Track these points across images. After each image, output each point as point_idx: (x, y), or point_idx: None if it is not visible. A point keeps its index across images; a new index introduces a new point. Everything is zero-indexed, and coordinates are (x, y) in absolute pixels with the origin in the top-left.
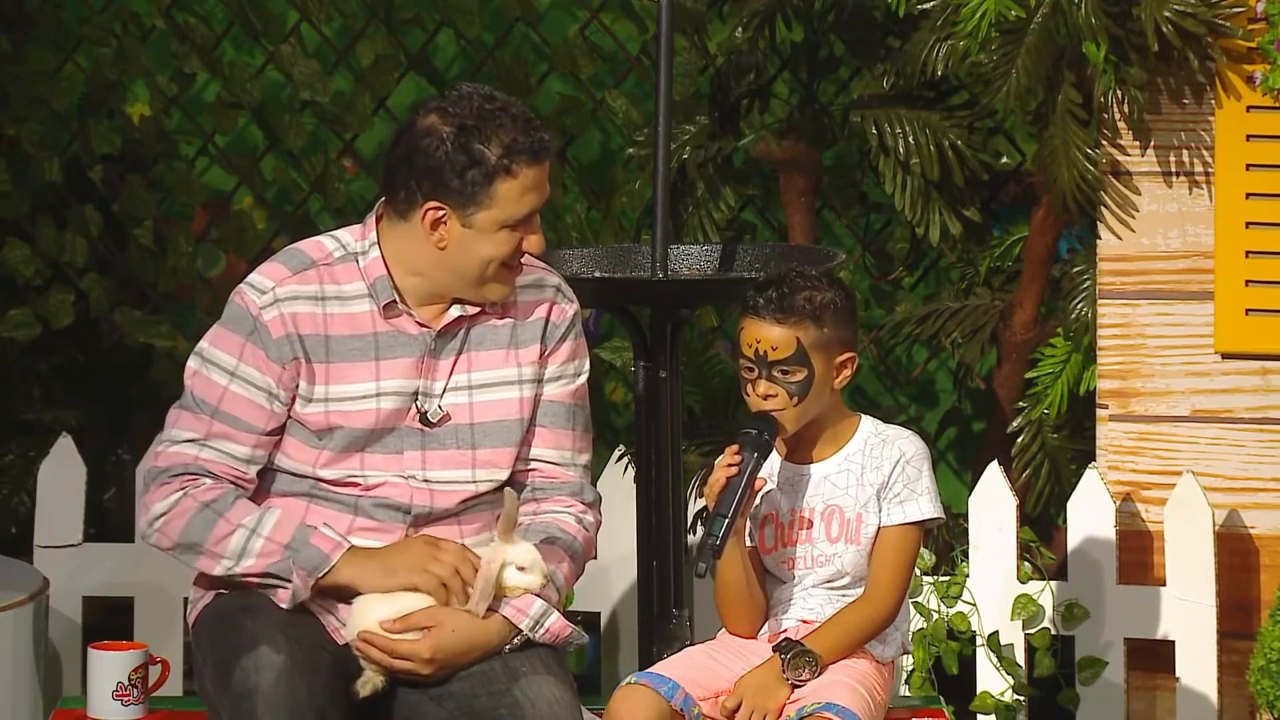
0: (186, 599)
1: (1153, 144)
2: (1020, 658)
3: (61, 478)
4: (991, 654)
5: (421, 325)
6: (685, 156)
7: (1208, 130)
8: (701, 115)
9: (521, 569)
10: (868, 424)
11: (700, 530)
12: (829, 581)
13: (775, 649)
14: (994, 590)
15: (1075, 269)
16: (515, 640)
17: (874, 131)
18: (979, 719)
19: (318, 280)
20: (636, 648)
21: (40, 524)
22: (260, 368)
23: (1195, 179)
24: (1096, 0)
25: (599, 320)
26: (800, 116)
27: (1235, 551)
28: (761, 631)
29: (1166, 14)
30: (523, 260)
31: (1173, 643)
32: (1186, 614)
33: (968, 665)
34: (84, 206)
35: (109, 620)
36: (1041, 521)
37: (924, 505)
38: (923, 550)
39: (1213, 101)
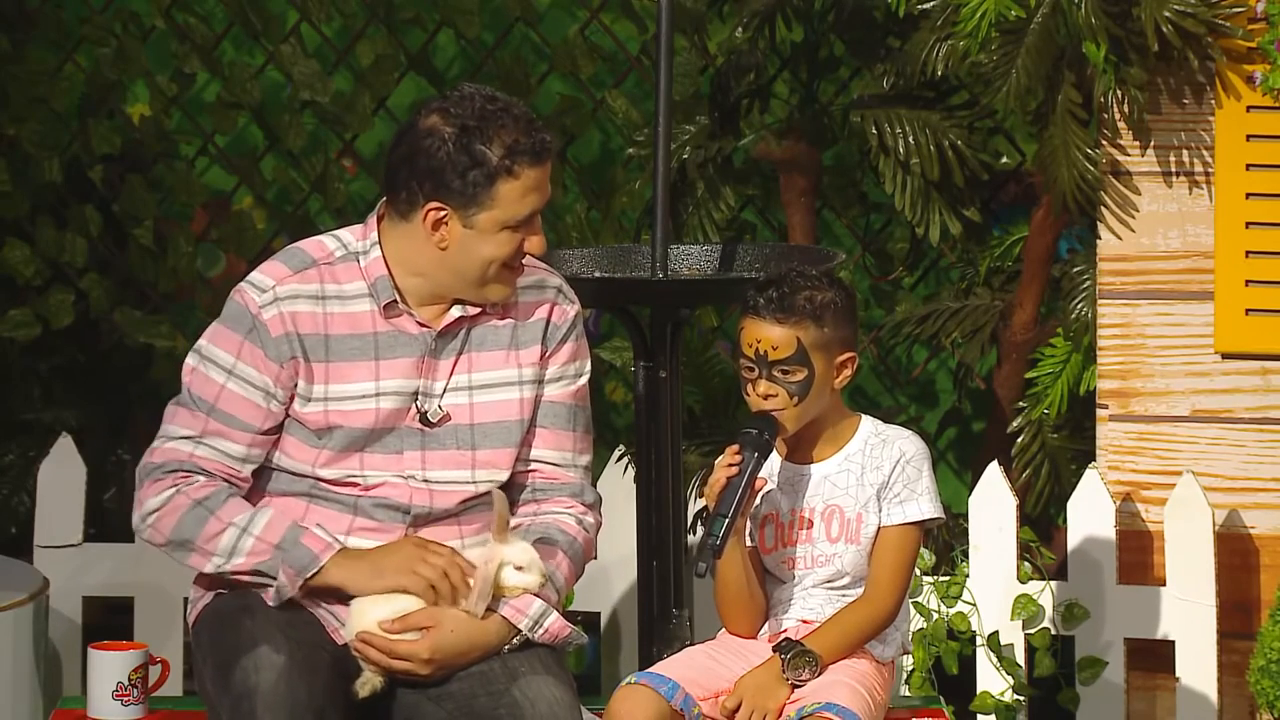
0: (186, 599)
1: (1153, 144)
2: (1020, 658)
3: (61, 478)
4: (991, 654)
5: (422, 325)
6: (685, 156)
7: (1208, 130)
8: (701, 115)
9: (519, 568)
10: (868, 424)
11: (700, 530)
12: (829, 581)
13: (775, 649)
14: (994, 590)
15: (1075, 269)
16: (514, 640)
17: (874, 131)
18: (979, 719)
19: (318, 279)
20: (636, 648)
21: (40, 524)
22: (258, 366)
23: (1195, 179)
24: (1096, 0)
25: (599, 320)
26: (800, 116)
27: (1235, 551)
28: (761, 631)
29: (1166, 14)
30: (524, 261)
31: (1173, 643)
32: (1186, 614)
33: (968, 665)
34: (84, 206)
35: (109, 620)
36: (1041, 521)
37: (924, 505)
38: (923, 550)
39: (1213, 101)
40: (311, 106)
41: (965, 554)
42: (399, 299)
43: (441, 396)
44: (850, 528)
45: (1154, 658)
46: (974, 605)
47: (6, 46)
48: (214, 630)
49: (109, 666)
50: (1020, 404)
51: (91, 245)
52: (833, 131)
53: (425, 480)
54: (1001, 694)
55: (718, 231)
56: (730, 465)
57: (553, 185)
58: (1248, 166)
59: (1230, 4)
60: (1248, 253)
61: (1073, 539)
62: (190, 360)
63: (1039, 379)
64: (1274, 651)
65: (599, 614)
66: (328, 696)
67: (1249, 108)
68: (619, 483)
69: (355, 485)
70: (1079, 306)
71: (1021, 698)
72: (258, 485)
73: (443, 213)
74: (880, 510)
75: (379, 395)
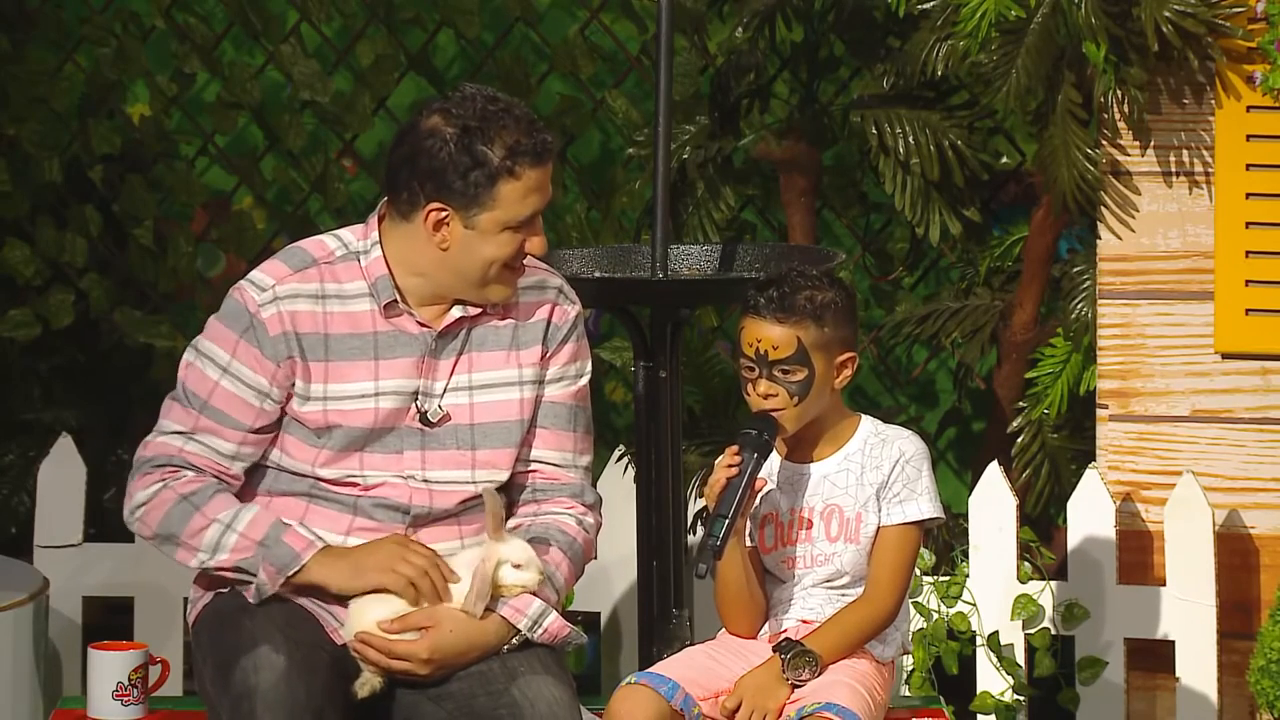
0: (186, 599)
1: (1153, 144)
2: (1020, 658)
3: (61, 478)
4: (991, 654)
5: (422, 325)
6: (685, 156)
7: (1208, 130)
8: (701, 115)
9: (517, 565)
10: (867, 424)
11: (700, 530)
12: (828, 581)
13: (775, 649)
14: (994, 590)
15: (1075, 269)
16: (514, 640)
17: (874, 131)
18: (979, 719)
19: (319, 279)
20: (636, 648)
21: (40, 524)
22: (253, 365)
23: (1195, 179)
24: (1096, 0)
25: (599, 320)
26: (800, 116)
27: (1235, 551)
28: (761, 631)
29: (1166, 14)
30: (525, 261)
31: (1173, 643)
32: (1186, 614)
33: (968, 665)
34: (84, 206)
35: (109, 620)
36: (1041, 521)
37: (924, 505)
38: (923, 550)
39: (1213, 101)
40: (311, 106)
41: (965, 554)
42: (399, 299)
43: (441, 396)
44: (850, 527)
45: (1154, 658)
46: (974, 605)
47: (6, 46)
48: (214, 630)
49: (109, 666)
50: (1020, 404)
51: (91, 245)
52: (833, 131)
53: (425, 480)
54: (1001, 694)
55: (718, 231)
56: (730, 466)
57: (553, 185)
58: (1248, 166)
59: (1230, 4)
60: (1248, 253)
61: (1073, 539)
62: (188, 355)
63: (1039, 379)
64: (1274, 651)
65: (599, 614)
66: (327, 696)
67: (1249, 108)
68: (619, 483)
69: (355, 485)
70: (1079, 306)
71: (1021, 698)
72: (258, 485)
73: (444, 213)
74: (880, 510)
75: (378, 395)
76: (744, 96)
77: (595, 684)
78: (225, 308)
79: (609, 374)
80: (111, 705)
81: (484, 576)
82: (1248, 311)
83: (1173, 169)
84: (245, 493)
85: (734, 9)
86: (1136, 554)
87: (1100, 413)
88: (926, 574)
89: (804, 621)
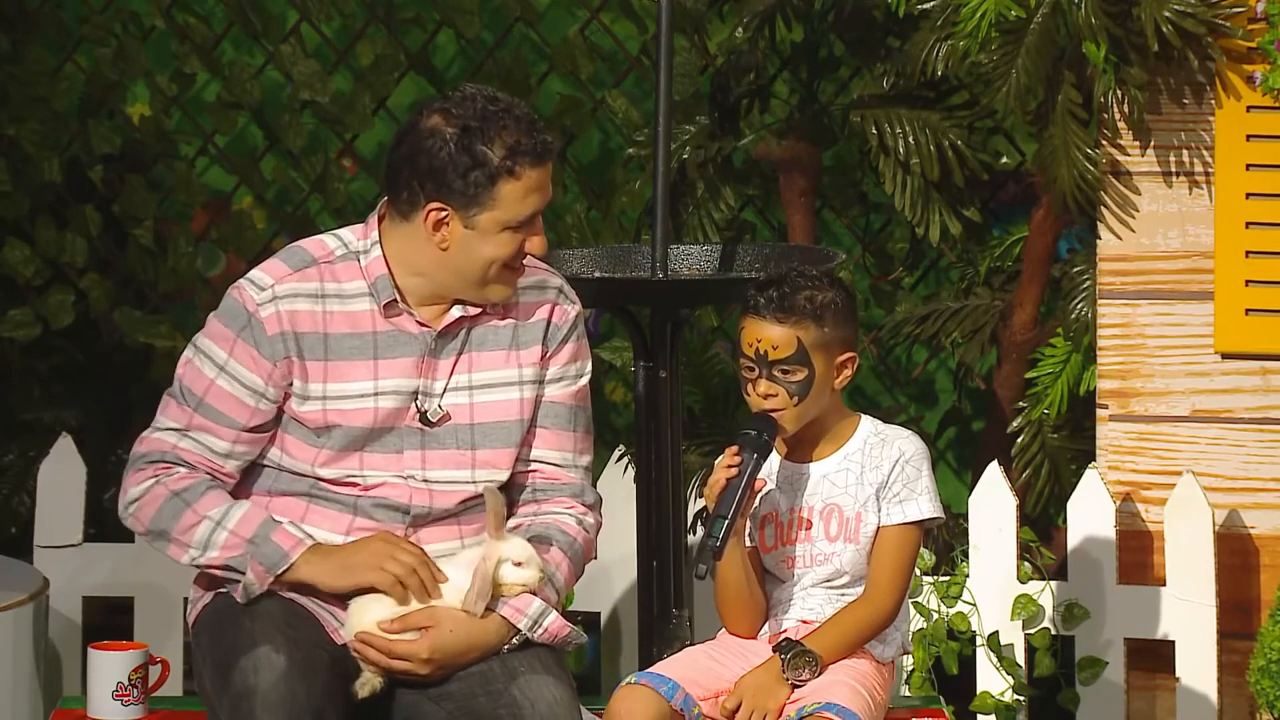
0: (186, 599)
1: (1153, 144)
2: (1020, 658)
3: (61, 478)
4: (991, 654)
5: (422, 325)
6: (685, 156)
7: (1208, 130)
8: (701, 115)
9: (518, 564)
10: (867, 424)
11: (700, 530)
12: (828, 581)
13: (775, 649)
14: (994, 590)
15: (1075, 269)
16: (514, 640)
17: (874, 131)
18: (979, 719)
19: (318, 278)
20: (636, 648)
21: (40, 524)
22: (249, 365)
23: (1195, 179)
24: (1096, 0)
25: (599, 320)
26: (800, 116)
27: (1235, 551)
28: (761, 632)
29: (1166, 14)
30: (525, 261)
31: (1173, 643)
32: (1186, 614)
33: (968, 665)
34: (84, 206)
35: (109, 620)
36: (1041, 521)
37: (923, 505)
38: (923, 550)
39: (1213, 101)
40: (311, 106)
41: (965, 554)
42: (399, 298)
43: (441, 396)
44: (849, 527)
45: (1154, 658)
46: (974, 605)
47: (6, 46)
48: (214, 630)
49: (109, 666)
50: (1020, 404)
51: (91, 245)
52: (833, 131)
53: (425, 480)
54: (1001, 694)
55: (718, 231)
56: (730, 466)
57: (553, 185)
58: (1248, 166)
59: (1230, 4)
60: (1248, 253)
61: (1073, 539)
62: (187, 352)
63: (1039, 379)
64: (1274, 651)
65: (599, 614)
66: (327, 697)
67: (1249, 108)
68: (619, 483)
69: (355, 485)
70: (1079, 306)
71: (1021, 698)
72: (259, 484)
73: (444, 213)
74: (879, 510)
75: (377, 395)
76: (744, 96)
77: (595, 684)
78: (224, 306)
79: (609, 374)
80: (111, 705)
81: (485, 575)
82: (1248, 311)
83: (1173, 169)
84: (247, 493)
85: (734, 9)
86: (1136, 554)
87: (1100, 413)
88: (926, 574)
89: (804, 621)
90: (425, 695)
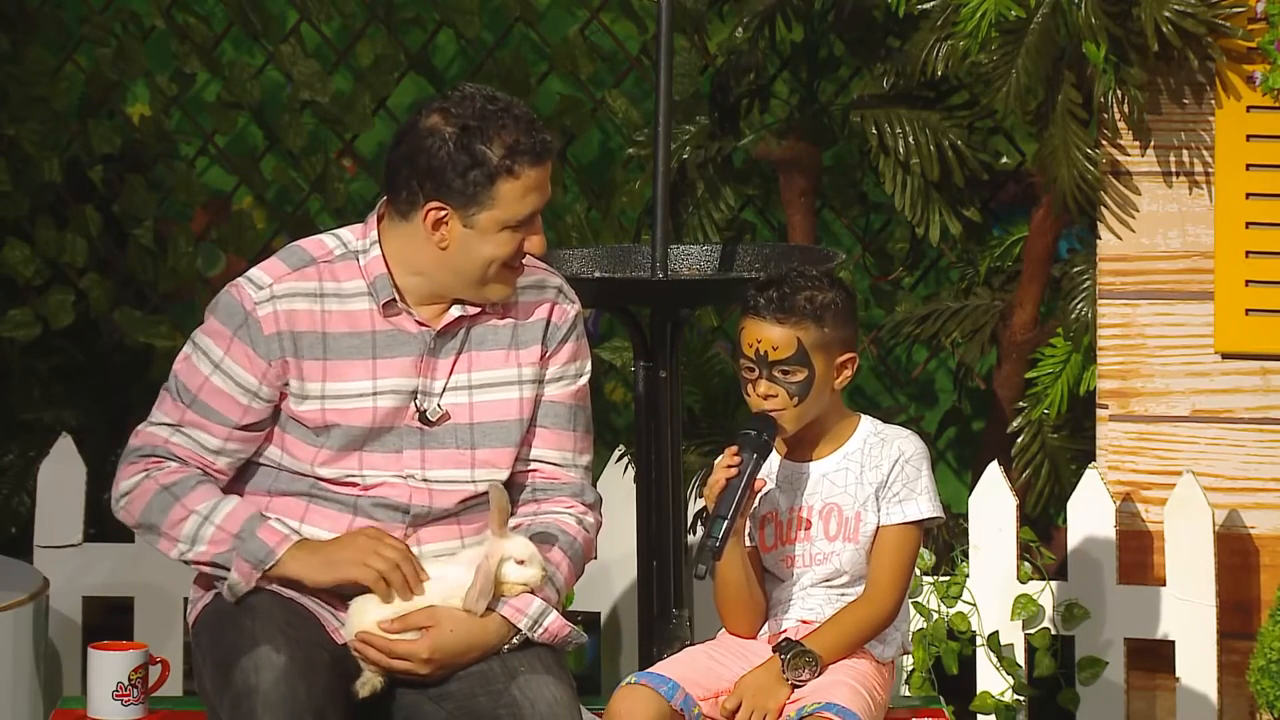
0: (186, 599)
1: (1153, 144)
2: (1020, 658)
3: (61, 478)
4: (991, 654)
5: (421, 324)
6: (685, 156)
7: (1208, 130)
8: (701, 115)
9: (520, 562)
10: (867, 423)
11: (700, 530)
12: (828, 580)
13: (775, 649)
14: (994, 590)
15: (1075, 269)
16: (514, 640)
17: (874, 131)
18: (979, 719)
19: (317, 277)
20: (636, 648)
21: (40, 524)
22: (244, 364)
23: (1195, 179)
24: (1096, 0)
25: (599, 320)
26: (800, 116)
27: (1235, 551)
28: (761, 632)
29: (1166, 14)
30: (524, 261)
31: (1173, 643)
32: (1186, 614)
33: (968, 665)
34: (84, 206)
35: (109, 620)
36: (1041, 521)
37: (923, 505)
38: (923, 550)
39: (1213, 101)
40: (311, 106)
41: (965, 554)
42: (398, 298)
43: (441, 396)
44: (849, 526)
45: (1154, 658)
46: (974, 605)
47: (6, 46)
48: (214, 630)
49: (109, 666)
50: (1020, 404)
51: (91, 245)
52: (833, 131)
53: (425, 480)
54: (1001, 694)
55: (718, 231)
56: (729, 466)
57: (553, 185)
58: (1248, 166)
59: (1230, 4)
60: (1248, 253)
61: (1073, 539)
62: (185, 349)
63: (1039, 379)
64: (1274, 651)
65: (599, 614)
66: (327, 696)
67: (1249, 108)
68: (619, 483)
69: (354, 485)
70: (1079, 306)
71: (1021, 698)
72: (260, 484)
73: (443, 212)
74: (879, 509)
75: (376, 394)
76: (744, 96)
77: (595, 684)
78: (222, 303)
79: (609, 374)
80: (111, 705)
81: (488, 573)
82: (1248, 311)
83: (1173, 169)
84: (248, 492)
85: (734, 9)
86: (1136, 554)
87: (1100, 413)
88: (926, 574)
89: (804, 621)
90: (425, 695)
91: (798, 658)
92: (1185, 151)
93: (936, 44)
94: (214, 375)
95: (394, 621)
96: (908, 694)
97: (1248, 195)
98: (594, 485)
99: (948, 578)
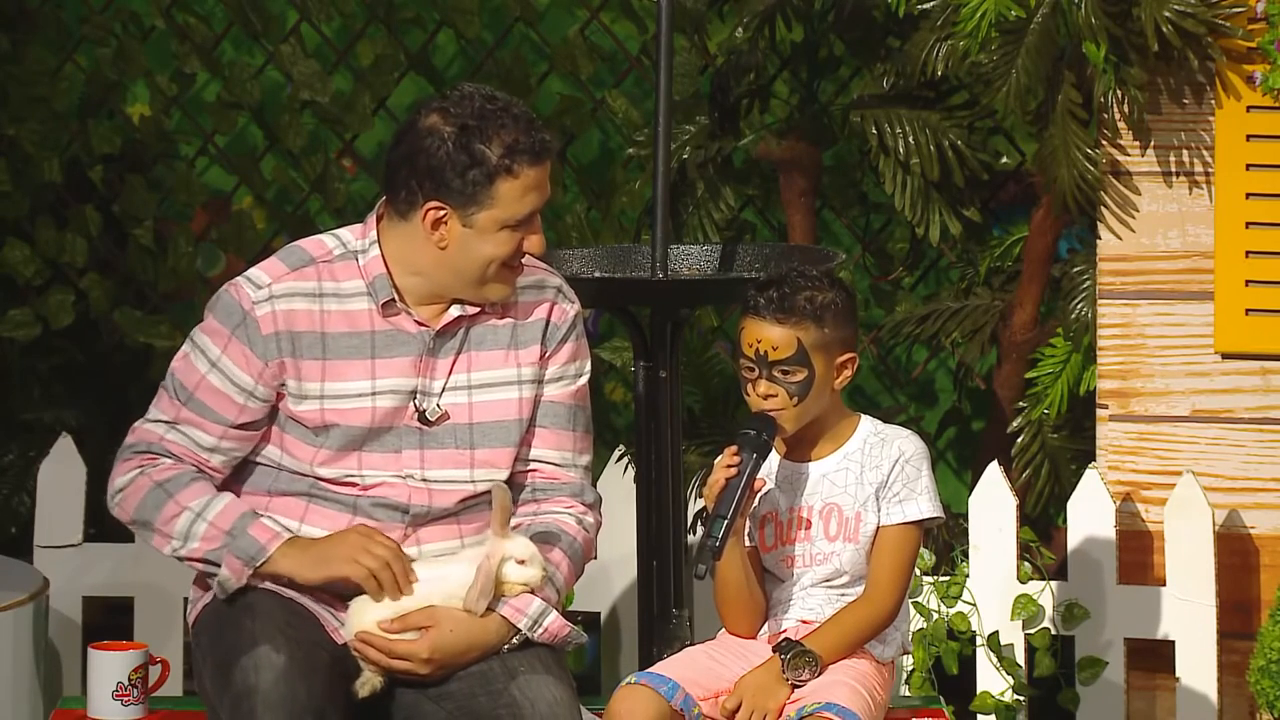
0: (186, 599)
1: (1153, 144)
2: (1020, 658)
3: (61, 478)
4: (991, 654)
5: (420, 324)
6: (685, 156)
7: (1208, 130)
8: (701, 115)
9: (521, 562)
10: (867, 423)
11: (700, 530)
12: (828, 580)
13: (775, 649)
14: (994, 590)
15: (1075, 269)
16: (514, 640)
17: (874, 131)
18: (979, 719)
19: (316, 277)
20: (636, 648)
21: (40, 524)
22: (241, 363)
23: (1195, 179)
24: (1096, 0)
25: (599, 320)
26: (800, 116)
27: (1235, 551)
28: (761, 632)
29: (1166, 14)
30: (523, 261)
31: (1173, 643)
32: (1186, 614)
33: (968, 665)
34: (84, 206)
35: (109, 620)
36: (1041, 521)
37: (923, 505)
38: (923, 550)
39: (1213, 101)
40: (311, 106)
41: (965, 554)
42: (397, 297)
43: (440, 395)
44: (849, 526)
45: (1154, 658)
46: (974, 605)
47: (6, 46)
48: (214, 630)
49: (109, 666)
50: (1020, 404)
51: (91, 245)
52: (833, 131)
53: (424, 480)
54: (1001, 694)
55: (718, 231)
56: (729, 466)
57: (553, 185)
58: (1248, 166)
59: (1230, 4)
60: (1248, 253)
61: (1073, 539)
62: (184, 347)
63: (1039, 379)
64: (1274, 651)
65: (599, 614)
66: (327, 696)
67: (1249, 108)
68: (619, 483)
69: (354, 485)
70: (1079, 306)
71: (1021, 698)
72: (260, 484)
73: (442, 212)
74: (879, 509)
75: (375, 394)
76: (744, 96)
77: (595, 684)
78: (220, 302)
79: (609, 374)
80: (111, 705)
81: (488, 573)
82: (1248, 311)
83: (1173, 169)
84: (248, 492)
85: (734, 9)
86: (1136, 554)
87: (1100, 413)
88: (926, 574)
89: (804, 621)
90: (425, 695)
91: (798, 658)
92: (1185, 151)
93: (936, 44)
94: (210, 374)
95: (394, 621)
96: (908, 694)
97: (1248, 195)
98: (594, 485)
99: (948, 578)
